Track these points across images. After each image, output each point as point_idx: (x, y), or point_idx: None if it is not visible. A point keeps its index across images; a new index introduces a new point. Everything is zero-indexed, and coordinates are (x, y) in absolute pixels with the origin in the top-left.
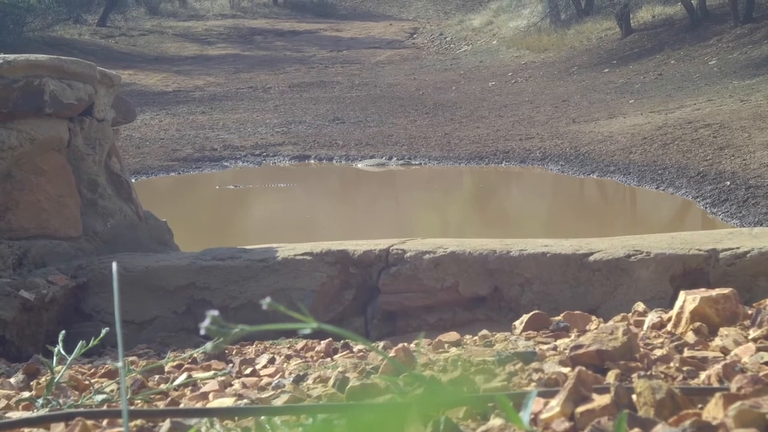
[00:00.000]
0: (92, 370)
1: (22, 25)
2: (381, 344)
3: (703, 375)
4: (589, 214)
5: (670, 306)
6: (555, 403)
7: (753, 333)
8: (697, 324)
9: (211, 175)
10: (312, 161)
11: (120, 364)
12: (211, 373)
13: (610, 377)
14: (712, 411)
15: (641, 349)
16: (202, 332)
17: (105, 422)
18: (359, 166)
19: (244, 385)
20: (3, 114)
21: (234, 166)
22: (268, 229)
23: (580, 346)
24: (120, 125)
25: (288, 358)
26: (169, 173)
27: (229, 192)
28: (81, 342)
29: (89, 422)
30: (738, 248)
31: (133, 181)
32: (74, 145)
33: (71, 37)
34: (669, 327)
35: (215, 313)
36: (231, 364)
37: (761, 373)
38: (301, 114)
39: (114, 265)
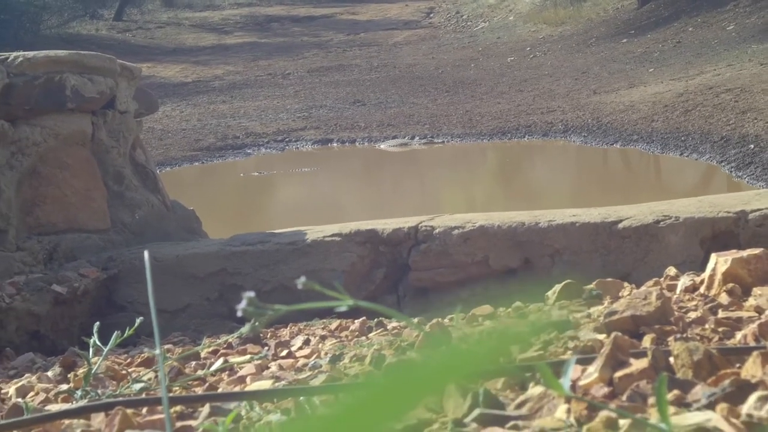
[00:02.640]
0: (128, 360)
1: (39, 23)
2: (415, 320)
3: (738, 335)
4: (614, 183)
5: (702, 269)
6: (593, 370)
7: None
8: (730, 285)
9: (235, 163)
10: (335, 144)
11: (158, 351)
12: (248, 357)
13: (646, 341)
14: (751, 369)
15: (675, 313)
16: (239, 314)
17: (145, 410)
18: (382, 146)
19: (280, 367)
20: (26, 111)
21: (257, 153)
22: (295, 214)
23: (614, 313)
24: (143, 117)
25: (323, 338)
26: (192, 163)
27: (253, 179)
28: (116, 332)
29: (129, 411)
30: (767, 208)
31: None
32: (98, 138)
33: (88, 33)
34: (702, 289)
35: (252, 294)
36: (266, 347)
37: None
38: (321, 98)
39: (146, 254)
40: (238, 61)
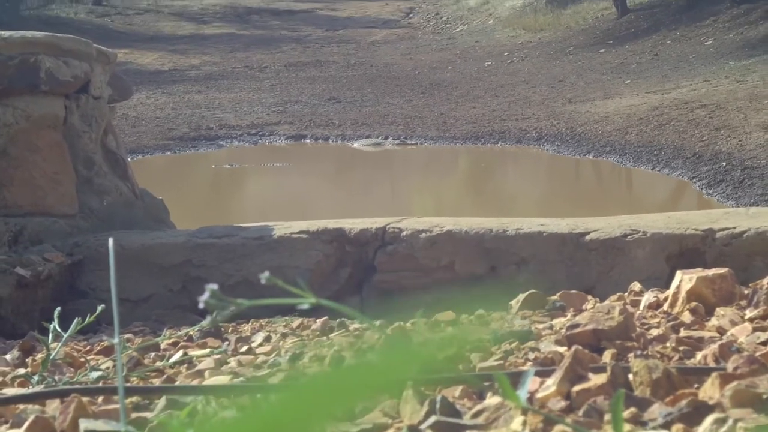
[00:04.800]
0: (88, 348)
1: (19, 3)
2: (377, 323)
3: (699, 355)
4: (584, 194)
5: (667, 286)
6: (551, 382)
7: (749, 313)
8: (694, 304)
9: (207, 155)
10: (308, 141)
11: (116, 340)
12: (207, 350)
13: (607, 357)
14: (709, 391)
15: (637, 329)
16: (201, 306)
17: (101, 399)
18: (355, 145)
19: (239, 363)
20: None
21: (230, 146)
22: (264, 209)
23: (576, 326)
24: (116, 103)
25: (284, 336)
26: (165, 152)
27: (225, 171)
28: (77, 319)
29: (85, 399)
30: (734, 228)
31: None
32: (70, 122)
33: (67, 16)
34: (665, 307)
35: (214, 286)
36: (227, 342)
37: (757, 353)
38: (296, 93)
39: (110, 242)
40: (215, 51)
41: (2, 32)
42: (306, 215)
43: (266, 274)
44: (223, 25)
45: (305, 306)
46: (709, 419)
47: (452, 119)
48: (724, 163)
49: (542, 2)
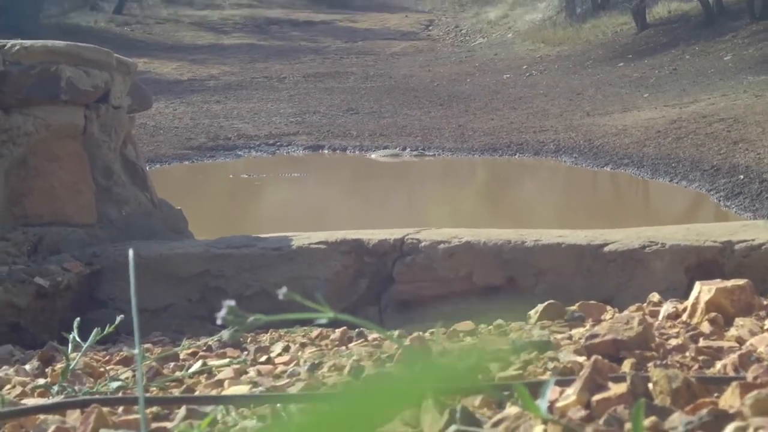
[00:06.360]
0: (107, 358)
1: (39, 11)
2: (396, 333)
3: (718, 365)
4: (602, 206)
5: (685, 297)
6: (571, 392)
7: None
8: (713, 314)
9: (225, 164)
10: (326, 151)
11: (137, 350)
12: (227, 360)
13: (626, 366)
14: (729, 400)
15: (656, 339)
16: (219, 322)
17: (120, 409)
18: (373, 156)
19: (259, 373)
20: (19, 100)
21: (248, 155)
22: (282, 219)
23: (595, 336)
24: (136, 112)
25: (303, 346)
26: (183, 162)
27: (242, 181)
28: (96, 329)
29: (105, 409)
30: (753, 240)
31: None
32: (90, 132)
33: (87, 24)
34: (684, 317)
35: (232, 303)
36: (246, 352)
37: None
38: (315, 104)
39: (130, 252)
40: (234, 61)
41: (23, 41)
42: (323, 225)
43: (284, 289)
44: (242, 35)
45: (323, 321)
46: (730, 428)
47: (470, 131)
48: (742, 176)
49: (562, 16)
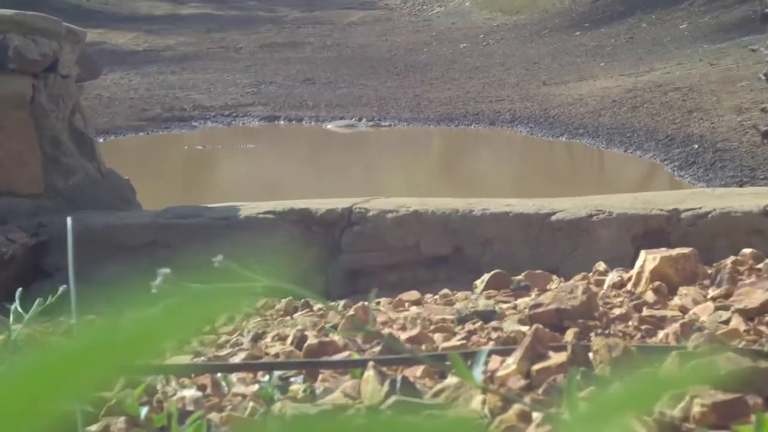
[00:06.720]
0: (50, 329)
1: None
2: (341, 302)
3: (661, 334)
4: (556, 176)
5: (632, 266)
6: (511, 361)
7: (712, 292)
8: (657, 283)
9: (180, 135)
10: (281, 122)
11: (73, 321)
12: None
13: (569, 336)
14: (669, 369)
15: (600, 308)
16: (153, 291)
17: None
18: (329, 127)
19: (201, 343)
20: None
21: (203, 127)
22: (236, 190)
23: (539, 305)
24: (85, 82)
25: (247, 316)
26: (138, 133)
27: (197, 152)
28: (38, 300)
29: None
30: (700, 208)
31: (101, 141)
32: (37, 101)
33: None
34: (629, 286)
35: (167, 270)
36: None
37: (718, 332)
38: (271, 74)
39: (69, 220)
40: (191, 32)
41: None
42: (277, 197)
43: (219, 257)
44: (199, 5)
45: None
46: (666, 396)
47: (426, 101)
48: (696, 146)
49: None
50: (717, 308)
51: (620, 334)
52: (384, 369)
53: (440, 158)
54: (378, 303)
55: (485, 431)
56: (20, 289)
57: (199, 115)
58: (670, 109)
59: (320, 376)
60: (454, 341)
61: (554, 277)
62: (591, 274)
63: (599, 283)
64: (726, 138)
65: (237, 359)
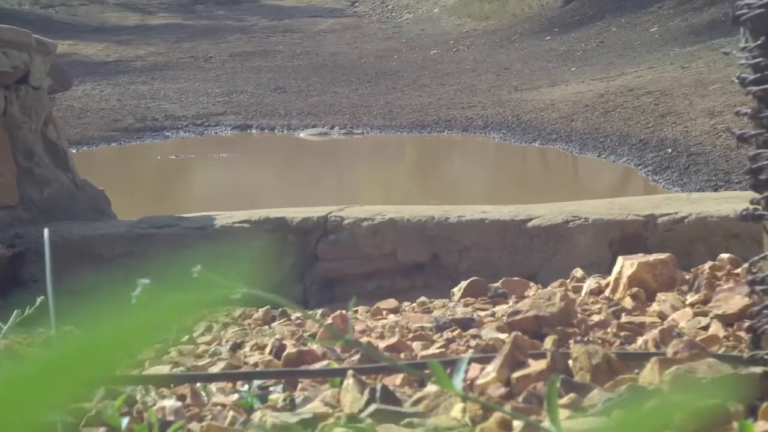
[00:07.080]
0: (29, 340)
1: None
2: (319, 311)
3: (640, 340)
4: (530, 182)
5: (609, 272)
6: (491, 369)
7: (690, 298)
8: (635, 289)
9: (153, 146)
10: (254, 131)
11: (53, 332)
12: None
13: (548, 343)
14: (648, 376)
15: (579, 315)
16: (133, 301)
17: None
18: (301, 135)
19: (180, 353)
20: None
21: (175, 136)
22: (209, 199)
23: (517, 312)
24: (56, 93)
25: (225, 326)
26: (110, 143)
27: (170, 162)
28: (16, 311)
29: None
30: (676, 213)
31: (74, 151)
32: (10, 113)
33: (11, 6)
34: (607, 293)
35: (146, 281)
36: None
37: (698, 338)
38: (242, 83)
39: (46, 231)
40: (160, 42)
41: None
42: (251, 206)
43: (197, 267)
44: (168, 15)
45: (237, 296)
46: (649, 405)
47: (398, 108)
48: (670, 150)
49: None
50: (695, 314)
51: (599, 341)
52: (363, 378)
53: (414, 165)
54: (356, 311)
55: None
56: None
57: (171, 125)
58: (643, 113)
59: (299, 385)
60: (433, 349)
61: (532, 284)
62: (568, 280)
63: (577, 290)
64: (699, 142)
65: (216, 369)
